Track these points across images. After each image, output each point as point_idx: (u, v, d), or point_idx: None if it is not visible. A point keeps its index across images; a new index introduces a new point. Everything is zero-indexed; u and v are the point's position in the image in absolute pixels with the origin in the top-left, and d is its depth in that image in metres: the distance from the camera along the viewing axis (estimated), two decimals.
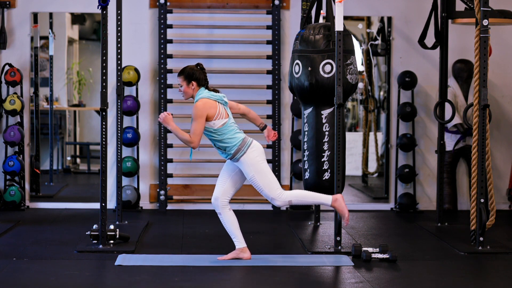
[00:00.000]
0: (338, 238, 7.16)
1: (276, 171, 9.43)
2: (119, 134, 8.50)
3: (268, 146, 9.41)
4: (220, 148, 6.68)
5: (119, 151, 8.47)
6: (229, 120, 6.64)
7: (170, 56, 9.40)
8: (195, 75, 6.68)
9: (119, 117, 8.45)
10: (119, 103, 8.45)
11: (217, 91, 6.72)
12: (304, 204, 6.79)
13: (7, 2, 9.29)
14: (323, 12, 7.65)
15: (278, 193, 6.67)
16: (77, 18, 13.35)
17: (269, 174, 6.67)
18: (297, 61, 7.25)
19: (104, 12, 7.16)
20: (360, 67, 11.63)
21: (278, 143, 9.45)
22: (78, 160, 13.46)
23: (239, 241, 6.76)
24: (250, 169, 6.63)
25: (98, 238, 7.18)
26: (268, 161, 9.33)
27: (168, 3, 9.43)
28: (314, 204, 6.86)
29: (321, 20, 7.69)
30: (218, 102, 6.64)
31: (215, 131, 6.62)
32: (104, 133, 7.18)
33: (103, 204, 7.15)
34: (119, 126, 8.46)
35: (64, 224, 8.53)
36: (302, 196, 6.75)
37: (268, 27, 9.46)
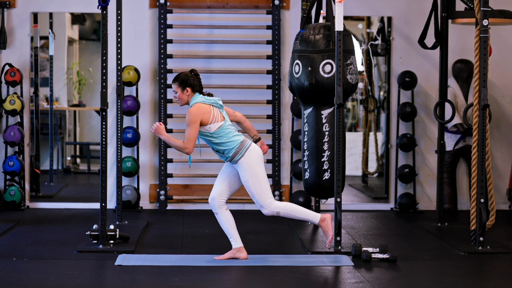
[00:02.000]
0: (338, 238, 7.16)
1: (276, 171, 9.43)
2: (119, 134, 8.50)
3: (268, 146, 9.40)
4: (219, 152, 6.68)
5: (119, 151, 8.47)
6: (225, 123, 6.64)
7: (170, 56, 9.40)
8: (190, 81, 6.67)
9: (119, 117, 8.45)
10: (119, 103, 8.45)
11: (211, 95, 6.71)
12: (292, 217, 6.79)
13: (7, 2, 9.29)
14: (323, 12, 7.65)
15: (268, 202, 6.70)
16: (77, 18, 13.35)
17: (263, 181, 6.69)
18: (297, 61, 7.25)
19: (104, 12, 7.16)
20: (360, 67, 11.63)
21: (278, 143, 9.44)
22: (78, 160, 13.46)
23: (236, 241, 6.77)
24: (246, 173, 6.64)
25: (98, 238, 7.18)
26: (268, 161, 9.37)
27: (168, 3, 9.42)
28: (301, 219, 6.82)
29: (321, 20, 7.69)
30: (212, 105, 6.63)
31: (211, 135, 6.62)
32: (104, 133, 7.18)
33: (103, 204, 7.15)
34: (119, 126, 8.46)
35: (64, 224, 8.53)
36: (291, 210, 6.77)
37: (268, 27, 9.46)
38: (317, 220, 6.78)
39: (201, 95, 6.67)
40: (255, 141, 6.92)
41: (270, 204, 6.69)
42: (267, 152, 9.38)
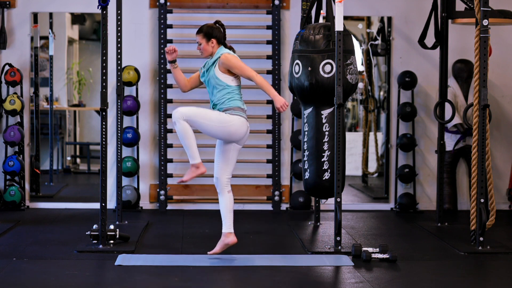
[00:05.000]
0: (338, 238, 7.16)
1: (276, 171, 9.42)
2: (119, 134, 8.50)
3: (268, 146, 9.42)
4: (215, 107, 6.72)
5: (119, 151, 8.48)
6: (239, 86, 6.77)
7: None
8: (215, 33, 6.76)
9: (119, 117, 8.45)
10: (119, 103, 8.45)
11: (233, 50, 6.83)
12: (181, 140, 6.65)
13: (7, 2, 9.29)
14: (323, 12, 7.65)
15: (181, 117, 6.55)
16: (77, 18, 13.35)
17: (205, 119, 6.59)
18: (297, 61, 7.25)
19: (104, 12, 7.16)
20: (360, 67, 11.63)
21: (278, 143, 9.44)
22: (78, 160, 13.46)
23: (228, 227, 6.77)
24: (218, 119, 6.61)
25: (98, 238, 7.18)
26: (268, 161, 9.39)
27: (168, 3, 9.43)
28: (186, 149, 6.72)
29: (321, 20, 7.69)
30: None
31: (227, 86, 6.66)
32: (104, 133, 7.18)
33: (103, 204, 7.15)
34: (119, 126, 8.46)
35: (64, 224, 8.53)
36: (187, 136, 6.59)
37: (268, 27, 9.46)
38: (192, 162, 6.69)
39: (226, 49, 6.73)
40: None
41: (179, 118, 6.57)
42: (267, 152, 9.42)
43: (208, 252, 6.84)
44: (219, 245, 6.82)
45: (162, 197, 9.38)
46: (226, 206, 6.79)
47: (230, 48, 6.83)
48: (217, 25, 6.79)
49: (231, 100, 6.71)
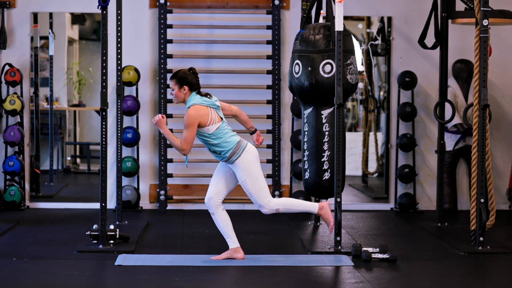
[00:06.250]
0: (338, 238, 7.16)
1: (276, 171, 9.43)
2: (119, 134, 8.50)
3: (268, 146, 9.42)
4: (215, 152, 6.68)
5: (119, 151, 8.48)
6: (222, 124, 6.64)
7: (170, 56, 9.40)
8: (187, 79, 6.66)
9: (119, 117, 8.45)
10: (119, 103, 8.45)
11: (209, 96, 6.70)
12: (291, 212, 6.80)
13: (7, 2, 9.29)
14: (323, 12, 7.64)
15: (266, 200, 6.69)
16: (77, 18, 13.35)
17: (260, 180, 6.68)
18: (297, 61, 7.25)
19: (104, 12, 7.16)
20: (360, 67, 11.63)
21: (278, 143, 9.44)
22: (78, 160, 13.46)
23: (233, 241, 6.77)
24: (243, 173, 6.64)
25: (98, 238, 7.18)
26: (268, 161, 9.37)
27: (168, 3, 9.42)
28: (301, 212, 6.84)
29: (321, 20, 7.69)
30: (210, 107, 6.63)
31: (209, 136, 6.62)
32: (104, 133, 7.18)
33: (103, 204, 7.15)
34: (119, 126, 8.46)
35: (64, 224, 8.53)
36: (290, 204, 6.77)
37: (268, 27, 9.46)
38: (316, 210, 6.79)
39: (198, 96, 6.66)
40: (251, 133, 6.91)
41: (268, 202, 6.69)
42: (267, 152, 9.42)
43: (212, 258, 6.82)
44: (225, 254, 6.77)
45: (162, 197, 9.38)
46: (226, 223, 6.72)
47: (206, 95, 6.70)
48: (191, 71, 6.70)
49: (225, 142, 6.63)
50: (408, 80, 9.49)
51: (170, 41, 9.40)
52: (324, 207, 6.82)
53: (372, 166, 11.79)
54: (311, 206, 6.82)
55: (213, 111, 6.63)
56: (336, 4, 7.00)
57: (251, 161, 6.65)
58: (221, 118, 6.67)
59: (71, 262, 6.73)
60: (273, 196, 9.38)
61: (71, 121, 13.25)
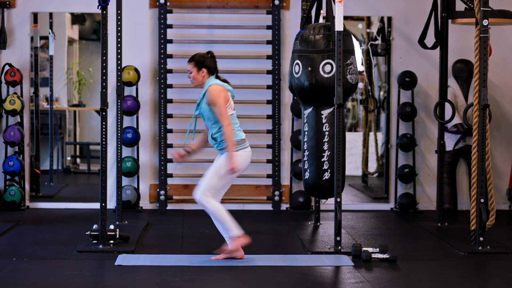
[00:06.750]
0: (338, 238, 7.16)
1: (276, 171, 9.43)
2: (119, 134, 8.50)
3: (268, 146, 9.42)
4: (215, 139, 6.64)
5: (119, 151, 8.48)
6: (234, 114, 6.66)
7: (170, 56, 9.40)
8: (206, 63, 6.69)
9: (119, 117, 8.45)
10: (119, 103, 8.45)
11: (226, 82, 6.73)
12: (214, 219, 6.65)
13: (7, 2, 9.29)
14: (323, 12, 7.65)
15: (206, 195, 6.59)
16: (77, 18, 13.35)
17: (221, 181, 6.59)
18: (297, 61, 7.25)
19: (104, 12, 7.16)
20: (360, 67, 11.63)
21: (278, 143, 9.44)
22: (78, 160, 13.46)
23: (233, 229, 6.66)
24: (222, 162, 6.58)
25: (98, 238, 7.18)
26: (268, 161, 9.38)
27: (168, 3, 9.42)
28: (221, 227, 6.70)
29: (321, 20, 7.69)
30: (229, 92, 6.66)
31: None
32: (104, 133, 7.18)
33: (103, 204, 7.15)
34: (119, 126, 8.46)
35: (64, 224, 8.53)
36: (218, 213, 6.61)
37: (268, 27, 9.46)
38: (235, 234, 6.63)
39: (217, 80, 6.68)
40: (187, 151, 6.89)
41: (206, 197, 6.60)
42: (267, 152, 9.42)
43: (212, 258, 6.80)
44: (224, 254, 6.73)
45: (162, 197, 9.38)
46: (223, 212, 6.63)
47: (224, 81, 6.73)
48: (209, 55, 6.72)
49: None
50: (408, 80, 9.49)
51: (170, 41, 9.40)
52: (242, 242, 6.66)
53: (372, 166, 11.79)
54: (233, 228, 6.65)
55: (230, 97, 6.65)
56: (336, 4, 7.00)
57: (243, 163, 6.61)
58: (234, 108, 6.68)
59: (71, 262, 6.73)
60: (273, 196, 9.39)
61: (71, 121, 13.25)
